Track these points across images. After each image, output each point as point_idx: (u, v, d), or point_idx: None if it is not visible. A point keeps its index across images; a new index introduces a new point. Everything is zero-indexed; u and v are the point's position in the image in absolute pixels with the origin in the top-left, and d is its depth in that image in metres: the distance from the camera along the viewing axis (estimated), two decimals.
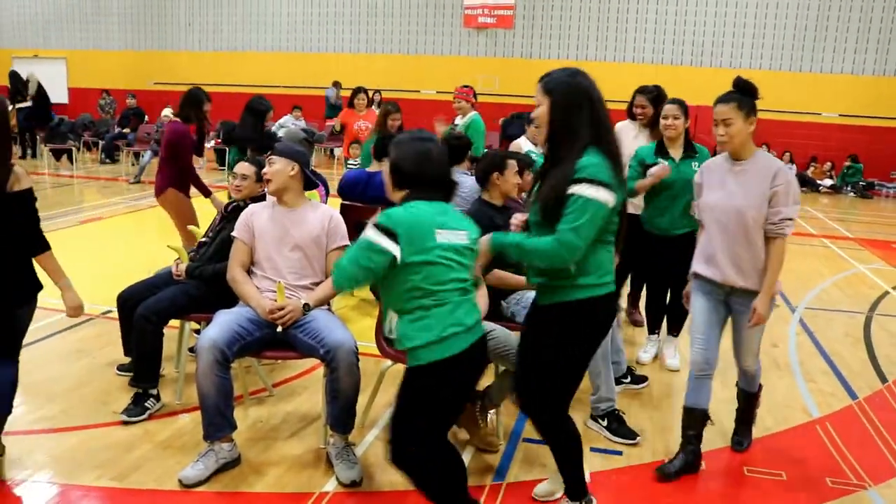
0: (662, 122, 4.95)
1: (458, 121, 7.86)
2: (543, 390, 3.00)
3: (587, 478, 3.25)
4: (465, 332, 2.74)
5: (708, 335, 3.68)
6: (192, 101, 5.86)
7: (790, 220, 3.48)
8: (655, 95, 5.48)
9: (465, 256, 2.80)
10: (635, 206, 5.08)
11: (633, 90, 5.60)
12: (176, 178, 5.77)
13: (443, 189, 2.87)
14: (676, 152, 4.97)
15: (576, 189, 2.71)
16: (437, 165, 2.83)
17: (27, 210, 3.27)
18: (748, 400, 4.04)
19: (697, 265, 3.75)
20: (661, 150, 4.97)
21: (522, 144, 6.05)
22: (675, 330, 5.32)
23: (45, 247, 3.37)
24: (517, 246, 2.84)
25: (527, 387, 3.04)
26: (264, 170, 3.93)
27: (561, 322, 2.90)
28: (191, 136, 5.88)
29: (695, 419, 3.76)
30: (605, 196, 2.72)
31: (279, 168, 3.83)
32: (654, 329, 5.36)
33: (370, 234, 2.69)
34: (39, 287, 3.41)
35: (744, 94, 3.53)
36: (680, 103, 4.95)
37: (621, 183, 2.82)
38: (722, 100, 3.53)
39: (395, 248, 2.66)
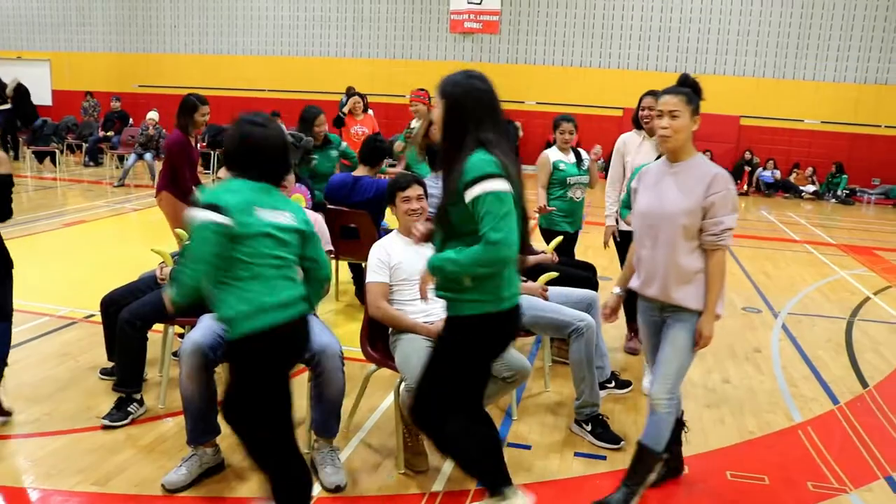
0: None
1: (414, 123, 7.88)
2: (436, 398, 2.94)
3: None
4: (279, 308, 2.75)
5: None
6: (185, 109, 5.80)
7: (730, 229, 3.20)
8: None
9: (286, 235, 2.81)
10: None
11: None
12: (170, 183, 5.77)
13: (270, 173, 2.87)
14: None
15: (475, 190, 2.64)
16: (262, 149, 2.84)
17: (3, 194, 3.58)
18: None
19: (633, 280, 3.50)
20: None
21: (551, 155, 5.69)
22: None
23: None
24: (453, 262, 2.72)
25: (422, 394, 2.98)
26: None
27: (460, 335, 2.86)
28: (186, 144, 5.81)
29: (655, 459, 3.41)
30: (502, 185, 2.65)
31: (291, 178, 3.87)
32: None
33: (198, 216, 2.68)
34: (11, 265, 3.68)
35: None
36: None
37: (515, 179, 2.73)
38: (671, 91, 3.27)
39: (227, 220, 2.66)
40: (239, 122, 2.91)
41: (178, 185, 5.74)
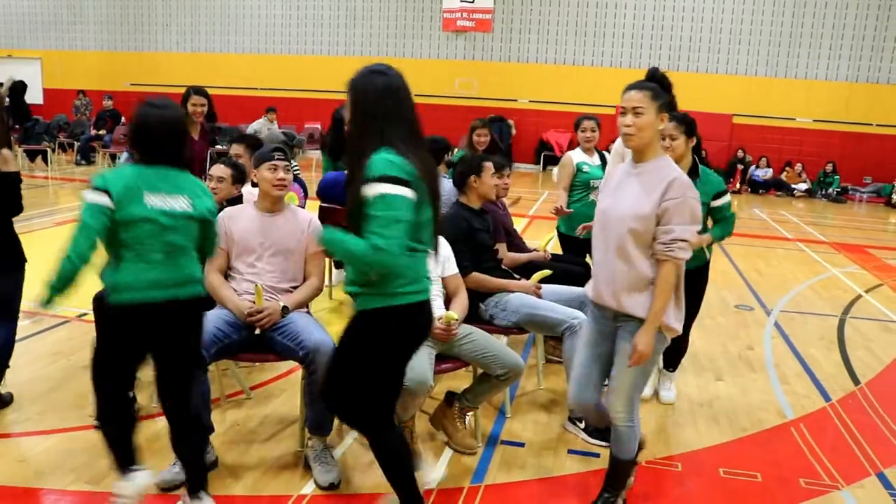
0: (661, 143, 4.20)
1: None
2: (358, 401, 2.88)
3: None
4: (156, 288, 2.87)
5: (583, 373, 3.25)
6: (181, 101, 5.72)
7: (683, 241, 2.93)
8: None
9: (176, 221, 2.89)
10: None
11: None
12: None
13: (166, 156, 2.93)
14: None
15: (370, 190, 2.57)
16: (157, 132, 2.90)
17: (13, 191, 3.75)
18: (614, 466, 3.32)
19: (588, 286, 3.30)
20: None
21: (574, 157, 5.56)
22: (670, 365, 4.77)
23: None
24: (341, 242, 2.63)
25: (337, 396, 2.94)
26: (280, 175, 3.82)
27: (368, 330, 2.79)
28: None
29: (629, 466, 3.30)
30: (400, 189, 2.57)
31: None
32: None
33: (87, 195, 2.81)
34: (23, 259, 3.83)
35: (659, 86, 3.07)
36: (680, 119, 4.08)
37: (425, 181, 2.67)
38: (635, 86, 3.03)
39: (109, 202, 2.79)
40: (138, 105, 2.96)
41: None
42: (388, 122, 2.67)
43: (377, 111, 2.68)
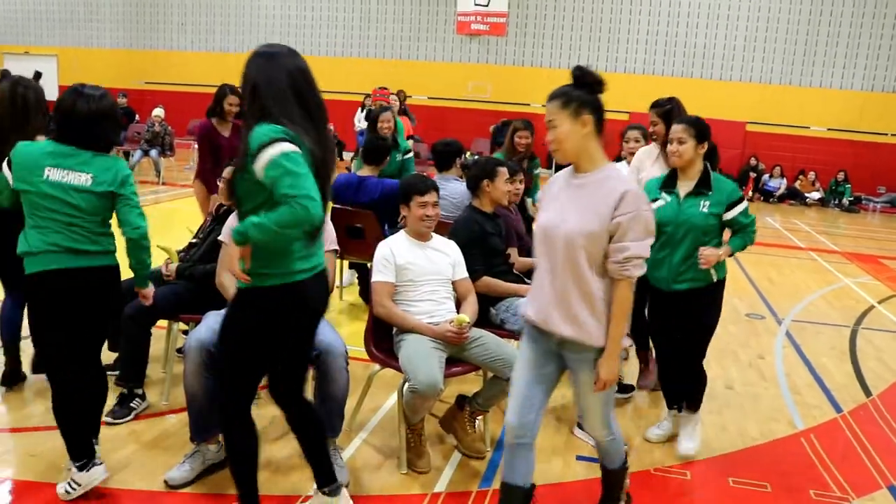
0: (668, 147, 3.94)
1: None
2: (226, 377, 2.90)
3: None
4: (53, 254, 3.11)
5: (526, 394, 2.94)
6: (216, 96, 6.03)
7: (638, 258, 2.72)
8: (667, 110, 4.56)
9: (76, 196, 3.12)
10: None
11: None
12: (200, 171, 6.02)
13: (76, 138, 3.16)
14: (685, 186, 3.91)
15: (263, 158, 2.53)
16: (69, 116, 3.16)
17: None
18: (608, 477, 3.28)
19: (527, 306, 3.01)
20: (671, 183, 3.96)
21: (622, 168, 5.14)
22: (691, 403, 4.16)
23: None
24: (257, 225, 2.54)
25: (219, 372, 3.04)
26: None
27: (248, 307, 2.78)
28: (210, 130, 5.96)
29: (515, 499, 3.00)
30: (287, 146, 2.54)
31: None
32: (671, 404, 4.29)
33: None
34: None
35: (581, 86, 2.79)
36: (691, 123, 3.89)
37: (312, 158, 2.64)
38: (549, 98, 2.81)
39: (8, 174, 3.18)
40: (67, 90, 3.24)
41: (205, 174, 5.83)
42: (276, 101, 2.68)
43: (266, 92, 2.69)
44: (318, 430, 3.12)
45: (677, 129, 3.87)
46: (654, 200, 3.89)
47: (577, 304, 2.77)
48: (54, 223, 3.11)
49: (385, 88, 8.02)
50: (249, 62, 2.78)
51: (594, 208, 2.72)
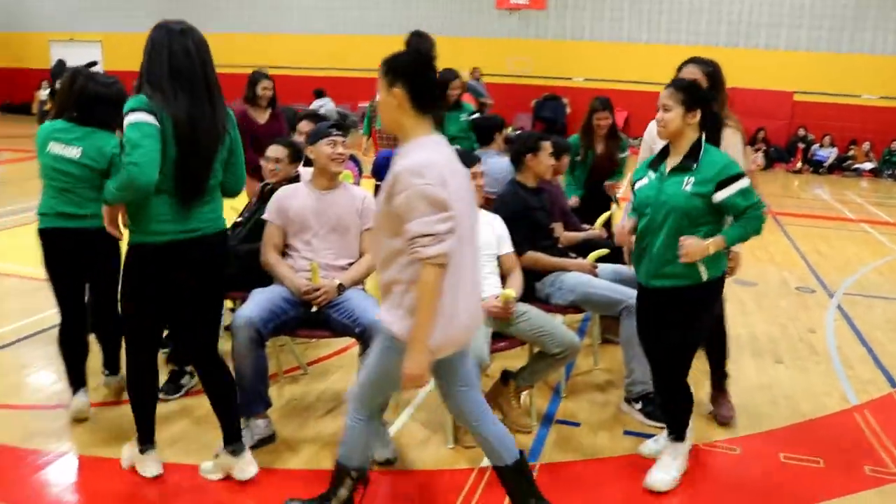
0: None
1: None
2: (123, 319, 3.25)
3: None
4: (57, 216, 3.60)
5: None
6: (249, 81, 6.15)
7: (424, 236, 2.44)
8: (711, 71, 3.81)
9: (68, 165, 3.57)
10: None
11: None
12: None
13: (75, 116, 3.61)
14: (672, 161, 3.26)
15: (124, 125, 2.88)
16: (69, 96, 3.62)
17: None
18: (337, 473, 2.97)
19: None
20: (661, 159, 3.33)
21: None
22: (671, 431, 3.47)
23: None
24: (107, 188, 3.03)
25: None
26: (340, 150, 3.83)
27: (125, 262, 3.12)
28: (244, 116, 5.90)
29: (343, 474, 2.93)
30: (140, 116, 2.85)
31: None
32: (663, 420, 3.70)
33: None
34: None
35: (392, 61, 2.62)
36: (679, 87, 3.25)
37: (175, 123, 2.90)
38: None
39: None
40: (74, 73, 3.68)
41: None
42: (152, 73, 2.95)
43: (149, 65, 2.96)
44: (227, 389, 3.33)
45: (663, 95, 3.24)
46: (639, 180, 3.38)
47: (385, 288, 2.67)
48: (52, 189, 3.62)
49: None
50: (148, 36, 3.01)
51: (383, 190, 2.57)
